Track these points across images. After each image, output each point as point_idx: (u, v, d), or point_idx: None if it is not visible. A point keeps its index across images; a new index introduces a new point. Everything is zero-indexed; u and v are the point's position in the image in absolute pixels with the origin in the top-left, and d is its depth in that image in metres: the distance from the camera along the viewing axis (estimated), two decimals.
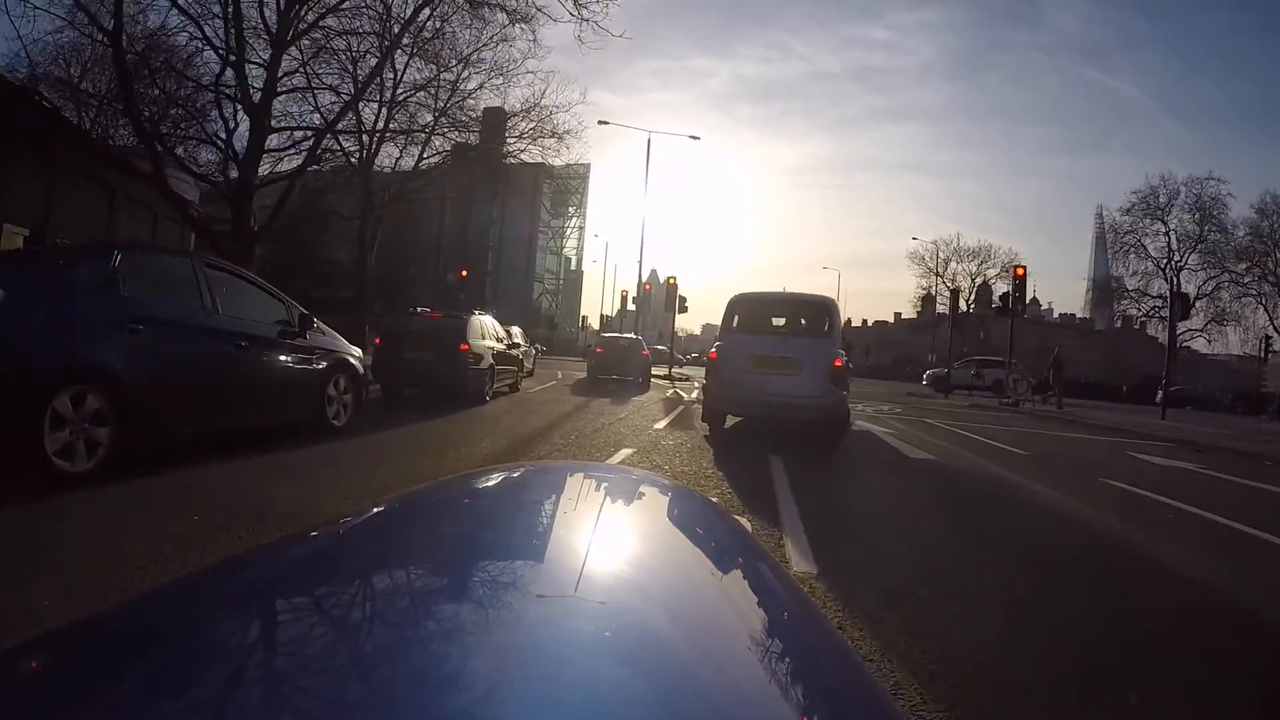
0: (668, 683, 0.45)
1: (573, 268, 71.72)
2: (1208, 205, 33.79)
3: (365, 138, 20.71)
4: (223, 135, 15.70)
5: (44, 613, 2.05)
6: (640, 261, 29.11)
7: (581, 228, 68.44)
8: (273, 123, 15.59)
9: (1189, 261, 33.78)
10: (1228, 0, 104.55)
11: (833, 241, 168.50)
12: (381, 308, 26.09)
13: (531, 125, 20.64)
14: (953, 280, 47.14)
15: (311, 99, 17.72)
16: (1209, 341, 36.54)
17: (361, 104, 19.27)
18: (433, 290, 34.39)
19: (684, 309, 24.27)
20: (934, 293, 49.59)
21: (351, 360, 6.25)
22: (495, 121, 22.02)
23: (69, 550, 2.70)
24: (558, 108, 20.16)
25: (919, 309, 52.28)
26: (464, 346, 8.96)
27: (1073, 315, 67.39)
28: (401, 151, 22.41)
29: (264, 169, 16.31)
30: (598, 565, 0.65)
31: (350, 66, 17.47)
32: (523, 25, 16.64)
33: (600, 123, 30.00)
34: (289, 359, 5.52)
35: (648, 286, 29.49)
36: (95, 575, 2.43)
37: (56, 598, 2.16)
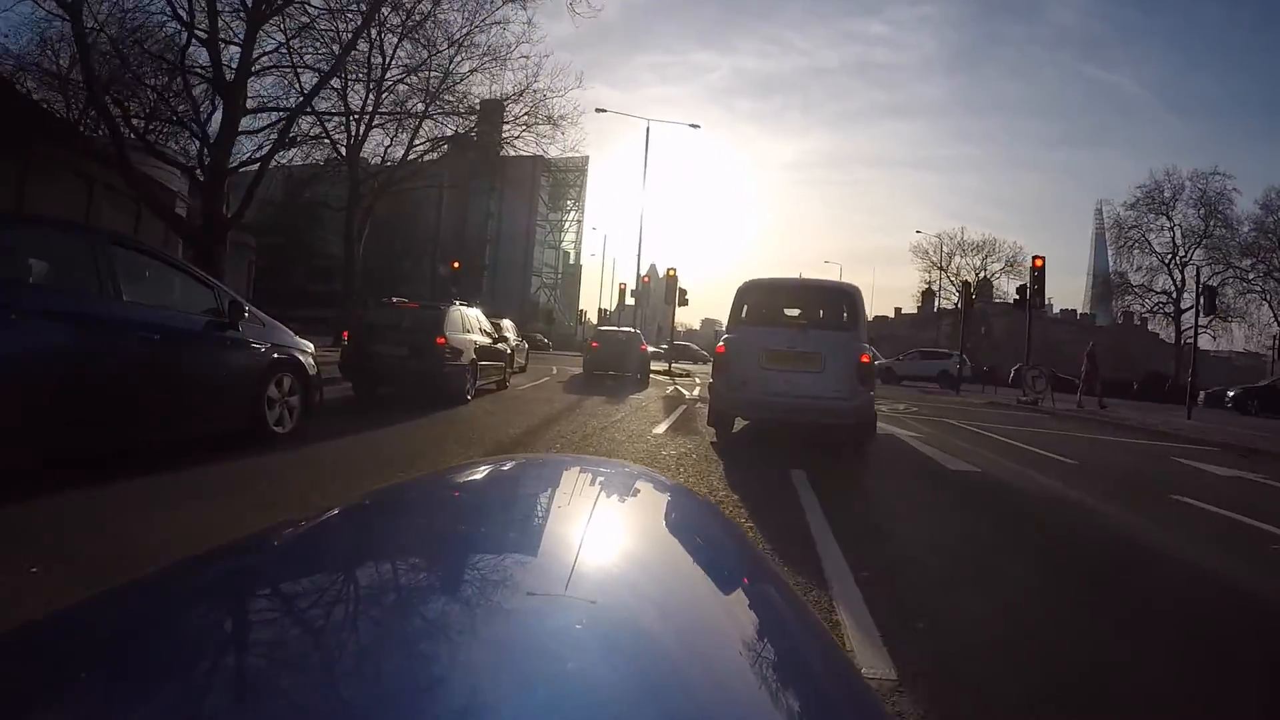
0: (658, 683, 0.44)
1: (571, 262, 70.54)
2: (1213, 200, 33.37)
3: (352, 122, 19.81)
4: (195, 117, 14.82)
5: None
6: (639, 254, 28.30)
7: (580, 221, 67.43)
8: (249, 103, 14.66)
9: (1194, 257, 33.06)
10: None
11: (834, 236, 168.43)
12: (374, 302, 25.18)
13: (526, 110, 19.79)
14: (957, 274, 46.30)
15: (296, 81, 16.80)
16: (1214, 339, 35.95)
17: (348, 86, 18.36)
18: (429, 284, 33.35)
19: (684, 302, 23.46)
20: (935, 287, 48.98)
21: (298, 356, 5.35)
22: (491, 109, 21.12)
23: None
24: (553, 91, 19.38)
25: (920, 304, 51.61)
26: (440, 340, 8.01)
27: (1073, 311, 66.58)
28: (391, 139, 21.54)
29: (246, 155, 15.44)
30: (589, 563, 0.62)
31: (335, 48, 16.52)
32: (516, 2, 15.77)
33: (598, 110, 29.33)
34: (216, 355, 4.63)
35: (647, 279, 28.69)
36: None
37: None
